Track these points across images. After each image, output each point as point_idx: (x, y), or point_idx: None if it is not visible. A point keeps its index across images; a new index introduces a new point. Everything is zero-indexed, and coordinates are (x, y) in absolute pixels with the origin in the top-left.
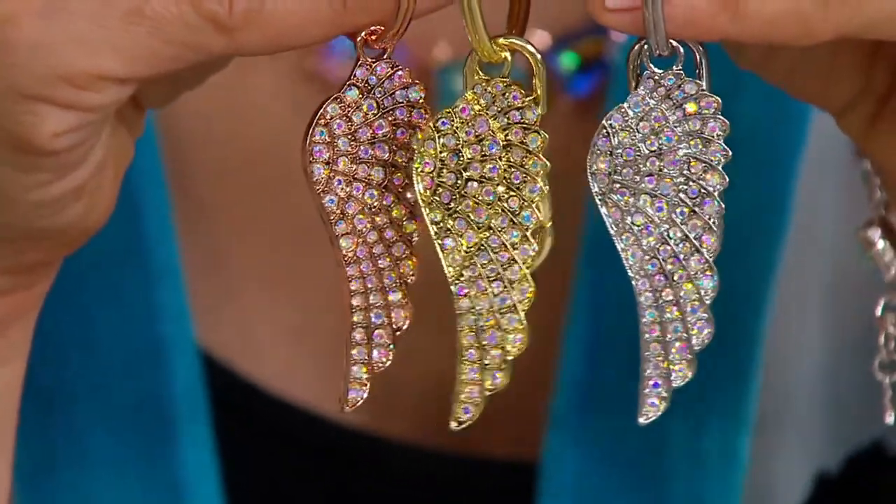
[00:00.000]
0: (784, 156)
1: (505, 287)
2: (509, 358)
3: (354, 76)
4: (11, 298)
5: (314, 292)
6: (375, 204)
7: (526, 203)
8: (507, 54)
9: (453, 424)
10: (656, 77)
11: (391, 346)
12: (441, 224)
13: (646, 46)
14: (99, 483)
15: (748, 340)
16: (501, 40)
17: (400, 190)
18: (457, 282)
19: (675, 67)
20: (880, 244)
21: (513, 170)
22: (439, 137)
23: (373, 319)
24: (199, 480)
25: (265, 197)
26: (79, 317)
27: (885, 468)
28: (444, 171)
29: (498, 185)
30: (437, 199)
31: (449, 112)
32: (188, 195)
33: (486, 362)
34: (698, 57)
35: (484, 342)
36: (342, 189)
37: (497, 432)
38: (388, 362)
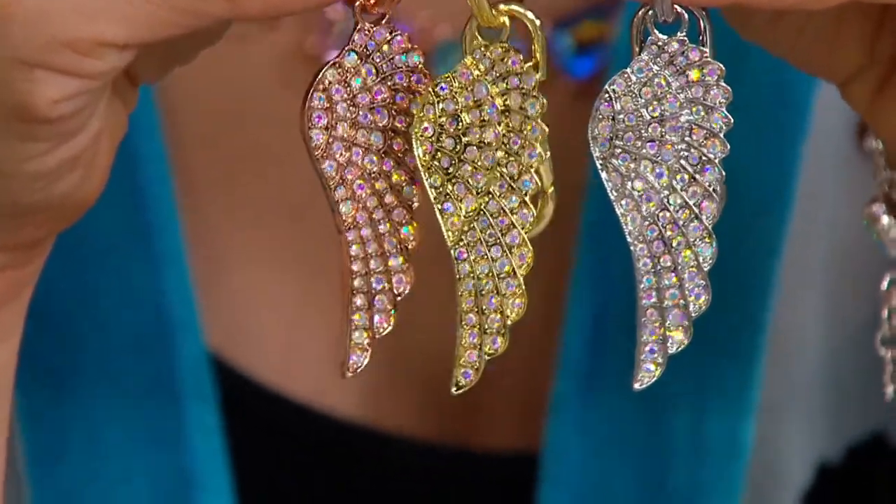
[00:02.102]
0: (788, 135)
1: (504, 252)
2: (509, 322)
3: (353, 41)
4: (5, 276)
5: (310, 274)
6: (375, 169)
7: (524, 168)
8: (506, 20)
9: (453, 389)
10: (660, 43)
11: (392, 312)
12: (440, 189)
13: (650, 12)
14: (108, 467)
15: (752, 325)
16: (501, 6)
17: (400, 155)
18: (456, 246)
19: (679, 34)
20: (885, 220)
21: (511, 135)
22: (438, 102)
23: (373, 285)
24: (208, 464)
25: (259, 177)
26: (86, 299)
27: (885, 459)
28: (444, 135)
29: (497, 150)
30: (437, 163)
31: (448, 77)
32: (183, 179)
33: (486, 327)
34: (702, 24)
35: (483, 307)
36: (341, 155)
37: (498, 423)
38: (390, 328)
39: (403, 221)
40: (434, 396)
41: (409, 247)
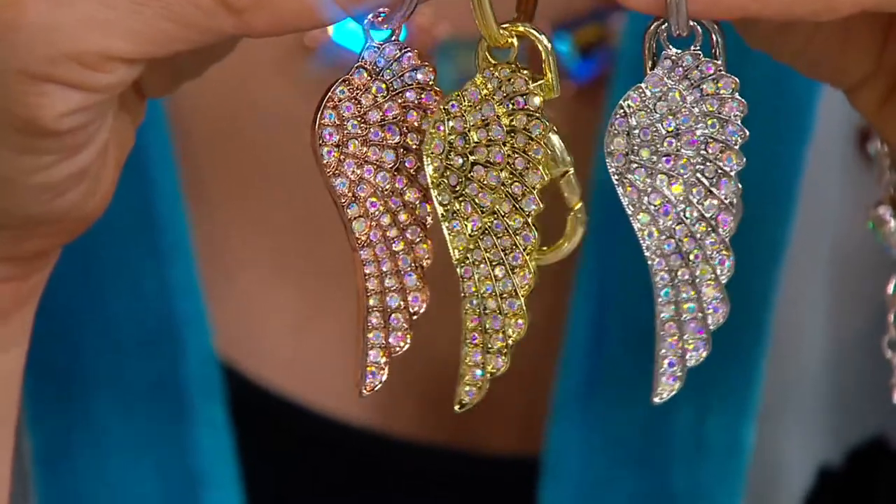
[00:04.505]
0: (791, 138)
1: (507, 272)
2: (510, 342)
3: (362, 58)
4: (9, 287)
5: (317, 279)
6: (387, 187)
7: (528, 190)
8: (514, 40)
9: (456, 407)
10: (674, 57)
11: (408, 330)
12: (448, 206)
13: (663, 27)
14: (115, 467)
15: (754, 326)
16: (511, 26)
17: (412, 173)
18: (462, 264)
19: (693, 48)
20: (892, 223)
21: (516, 156)
22: (448, 120)
23: (389, 303)
24: (216, 462)
25: (266, 179)
26: (93, 297)
27: (886, 463)
28: (453, 153)
29: (501, 170)
30: (445, 181)
31: (458, 95)
32: (189, 177)
33: (490, 346)
34: (715, 37)
35: (487, 325)
36: (353, 172)
37: (501, 426)
38: (406, 346)
39: (418, 239)
40: (437, 400)
41: (424, 265)
